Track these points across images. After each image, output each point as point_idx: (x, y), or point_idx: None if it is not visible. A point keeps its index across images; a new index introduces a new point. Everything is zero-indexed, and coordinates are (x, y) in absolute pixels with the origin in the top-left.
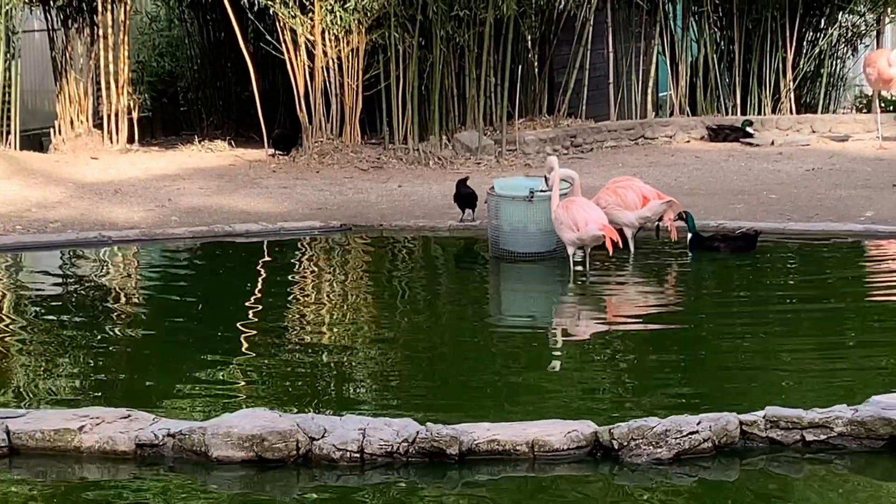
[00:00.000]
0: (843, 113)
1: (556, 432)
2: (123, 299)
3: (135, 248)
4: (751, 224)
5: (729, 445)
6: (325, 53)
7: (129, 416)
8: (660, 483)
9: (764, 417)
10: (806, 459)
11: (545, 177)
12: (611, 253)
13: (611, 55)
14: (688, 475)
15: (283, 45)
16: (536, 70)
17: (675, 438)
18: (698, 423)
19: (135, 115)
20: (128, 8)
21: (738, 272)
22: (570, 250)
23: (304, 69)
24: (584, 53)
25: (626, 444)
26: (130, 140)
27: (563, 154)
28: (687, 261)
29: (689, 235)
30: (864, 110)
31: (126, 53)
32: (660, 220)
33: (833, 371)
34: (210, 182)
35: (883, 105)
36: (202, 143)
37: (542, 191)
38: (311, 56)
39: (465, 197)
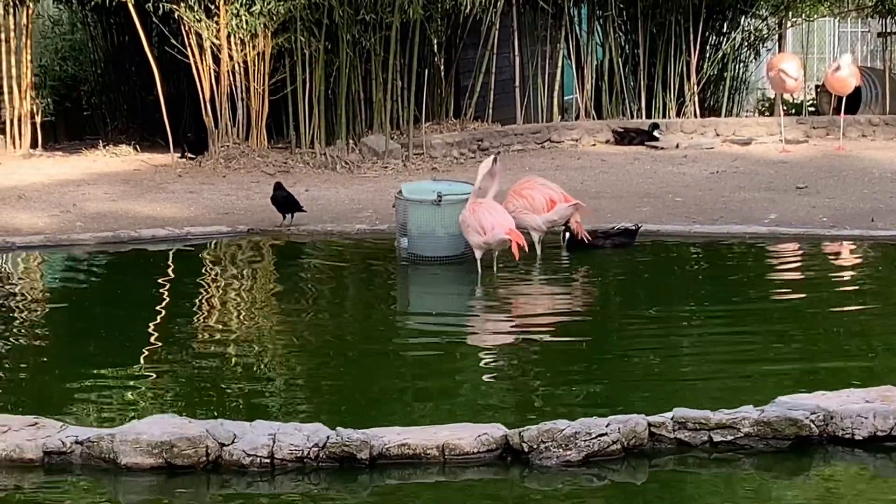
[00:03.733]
0: (747, 116)
1: (467, 436)
2: (28, 306)
3: (39, 254)
4: (657, 227)
5: (638, 447)
6: (230, 57)
7: (36, 423)
8: (569, 485)
9: (672, 419)
10: (713, 460)
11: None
12: (517, 258)
13: (517, 59)
14: (597, 477)
15: (189, 49)
16: (443, 74)
17: (585, 440)
18: (607, 426)
19: (38, 119)
20: (30, 11)
21: (645, 275)
22: (478, 254)
23: (210, 73)
24: (490, 57)
25: (535, 446)
26: (34, 145)
27: (470, 157)
28: (595, 264)
29: (567, 235)
30: (767, 113)
31: (28, 57)
32: (567, 222)
33: (739, 372)
34: (115, 187)
35: (785, 108)
36: (107, 147)
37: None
38: (216, 60)
39: (281, 201)
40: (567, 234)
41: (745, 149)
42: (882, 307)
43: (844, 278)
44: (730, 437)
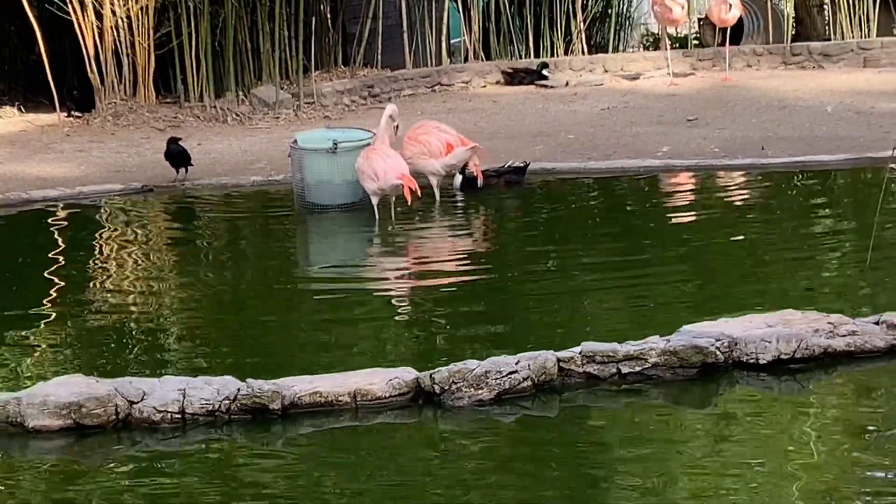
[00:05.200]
0: (633, 51)
1: (378, 381)
2: None
3: None
4: (552, 165)
5: (548, 383)
6: (113, 13)
7: None
8: (482, 423)
9: (580, 353)
10: (623, 391)
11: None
12: (409, 202)
13: (403, 3)
14: (509, 414)
15: (70, 5)
16: (329, 21)
17: (496, 379)
18: (517, 363)
19: None
20: None
21: (542, 213)
22: (374, 200)
23: (93, 29)
24: (377, 3)
25: (447, 387)
26: None
27: (362, 104)
28: (491, 204)
29: (459, 177)
30: (653, 48)
31: None
32: (465, 165)
33: (641, 303)
34: (1, 149)
35: (670, 42)
36: None
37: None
38: (99, 16)
39: (175, 155)
40: (460, 177)
41: (633, 84)
42: (775, 233)
43: (738, 206)
44: (638, 369)
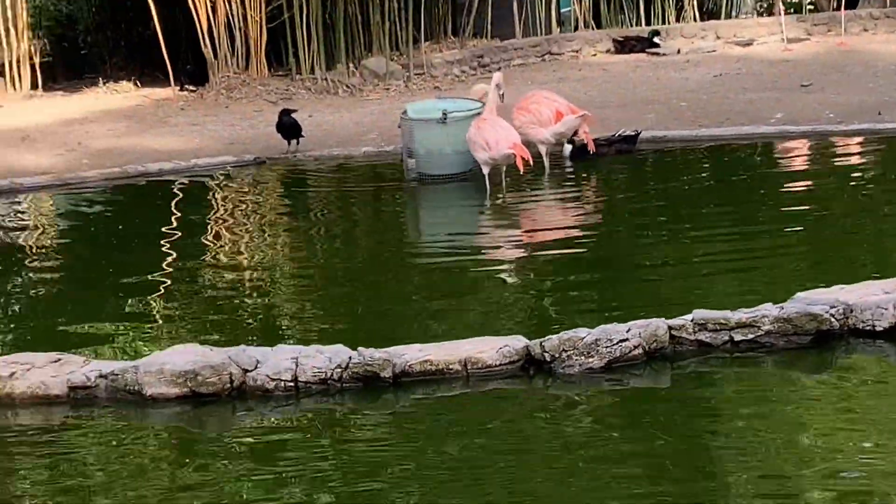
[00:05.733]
0: (746, 17)
1: (488, 349)
2: (43, 244)
3: (47, 193)
4: (663, 133)
5: (659, 350)
6: None
7: (59, 359)
8: (593, 391)
9: (692, 321)
10: (735, 359)
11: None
12: (521, 171)
13: None
14: (620, 382)
15: None
16: None
17: (606, 347)
18: (628, 331)
19: (36, 60)
20: None
21: (653, 181)
22: (485, 170)
23: (206, 4)
24: None
25: (557, 355)
26: (34, 86)
27: (471, 75)
28: (602, 173)
29: (568, 146)
30: (766, 14)
31: None
32: (574, 134)
33: (755, 270)
34: (118, 123)
35: (784, 7)
36: (107, 85)
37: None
38: None
39: (287, 127)
40: (570, 146)
41: (746, 50)
42: (893, 199)
43: (854, 173)
44: (750, 336)
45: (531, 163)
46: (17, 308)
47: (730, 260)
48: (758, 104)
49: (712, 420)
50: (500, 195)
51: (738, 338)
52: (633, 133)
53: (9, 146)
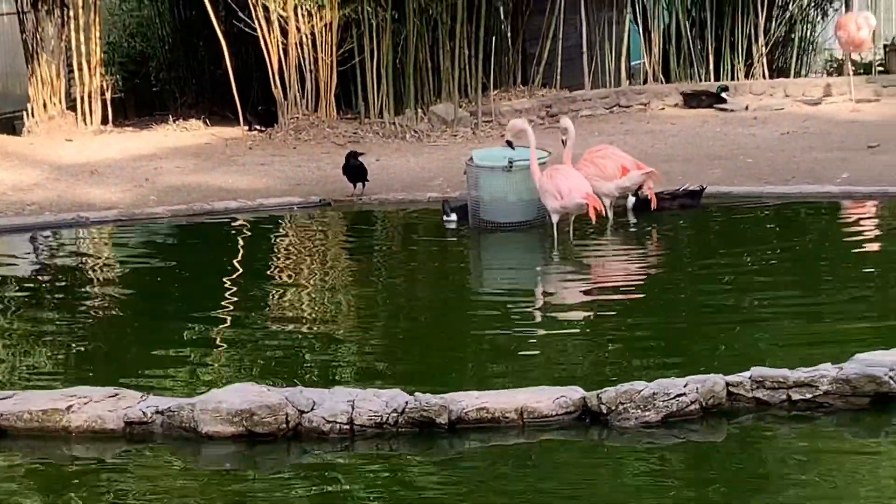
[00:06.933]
0: (815, 76)
1: (545, 398)
2: (107, 278)
3: (113, 228)
4: (728, 189)
5: (716, 406)
6: (298, 29)
7: (116, 394)
8: (649, 445)
9: (750, 378)
10: (792, 418)
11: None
12: (593, 220)
13: (583, 24)
14: (676, 437)
15: (256, 21)
16: (510, 41)
17: (663, 401)
18: (685, 386)
19: (108, 96)
20: None
21: (717, 235)
22: (555, 218)
23: (278, 45)
24: (557, 24)
25: (614, 408)
26: (104, 121)
27: (539, 124)
28: (665, 226)
29: (632, 199)
30: (835, 73)
31: (97, 34)
32: (639, 188)
33: (815, 330)
34: (187, 161)
35: (854, 67)
36: (177, 122)
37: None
38: (284, 32)
39: (353, 170)
40: (633, 198)
41: (814, 109)
42: None
43: None
44: (808, 395)
45: (603, 213)
46: (76, 340)
47: (791, 317)
48: (824, 163)
49: (767, 478)
50: (565, 243)
51: (795, 397)
52: (697, 188)
53: (77, 180)
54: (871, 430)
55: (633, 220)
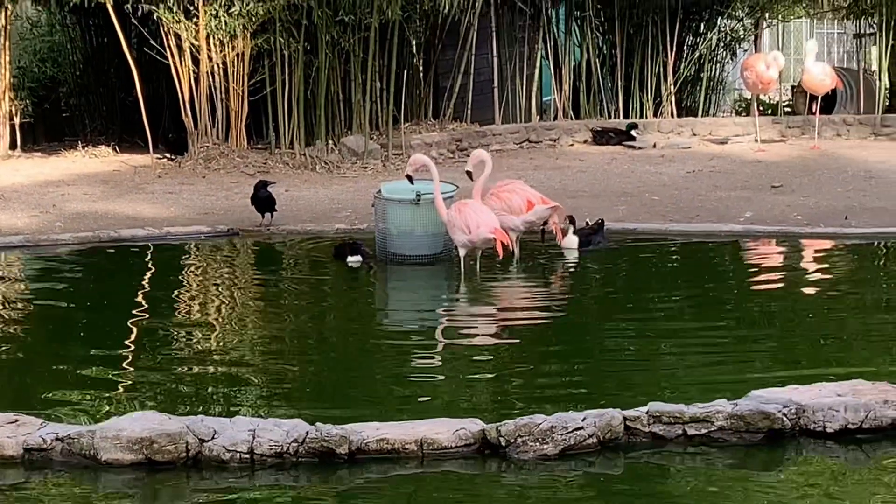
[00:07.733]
0: (723, 116)
1: (445, 430)
2: (7, 305)
3: (18, 253)
4: (634, 225)
5: (613, 440)
6: (210, 58)
7: (16, 420)
8: (546, 478)
9: (647, 413)
10: (688, 453)
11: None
12: (500, 256)
13: (495, 60)
14: (573, 470)
15: (168, 50)
16: (422, 75)
17: (561, 434)
18: (583, 420)
19: (17, 121)
20: (8, 13)
21: (621, 272)
22: (462, 252)
23: (189, 74)
24: (469, 58)
25: (512, 440)
26: (13, 146)
27: (449, 158)
28: (571, 261)
29: (574, 238)
30: (743, 113)
31: (7, 59)
32: (545, 223)
33: (713, 365)
34: (95, 188)
35: (761, 108)
36: (86, 148)
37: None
38: (196, 61)
39: (262, 200)
40: (576, 237)
41: (721, 148)
42: (854, 304)
43: (818, 276)
44: (704, 431)
45: (511, 248)
46: None
47: (692, 353)
48: (728, 202)
49: None
50: (472, 278)
51: (691, 432)
52: (599, 221)
53: None
54: (764, 465)
55: (543, 254)
